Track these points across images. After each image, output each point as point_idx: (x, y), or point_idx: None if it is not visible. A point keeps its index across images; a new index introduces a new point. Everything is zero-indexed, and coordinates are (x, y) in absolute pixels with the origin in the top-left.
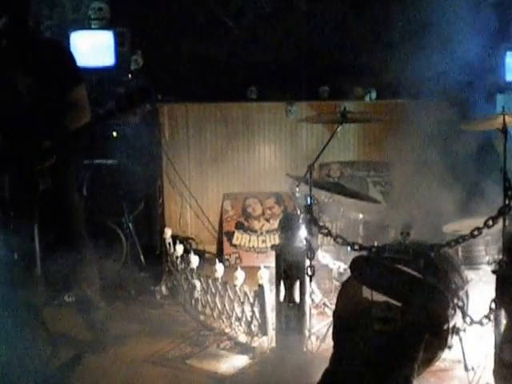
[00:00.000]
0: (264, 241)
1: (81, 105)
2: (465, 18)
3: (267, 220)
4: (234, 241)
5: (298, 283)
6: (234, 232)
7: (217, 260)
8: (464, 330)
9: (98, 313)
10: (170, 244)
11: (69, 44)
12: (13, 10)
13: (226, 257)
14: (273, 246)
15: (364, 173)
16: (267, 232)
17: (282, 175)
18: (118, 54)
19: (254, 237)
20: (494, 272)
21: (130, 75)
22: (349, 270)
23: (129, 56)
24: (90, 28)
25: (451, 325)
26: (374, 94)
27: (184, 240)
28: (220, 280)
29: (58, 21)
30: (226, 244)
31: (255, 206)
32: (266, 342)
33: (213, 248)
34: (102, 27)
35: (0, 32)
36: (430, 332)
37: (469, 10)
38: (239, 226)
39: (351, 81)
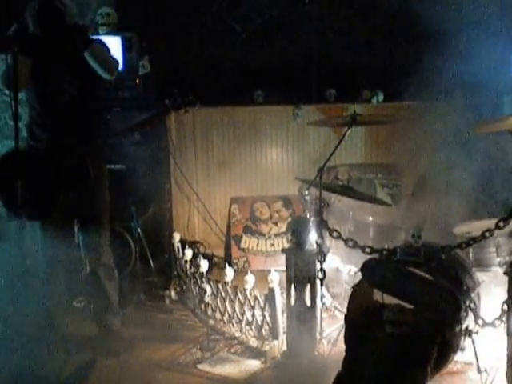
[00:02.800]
0: (272, 244)
1: (102, 57)
2: (472, 20)
3: (275, 223)
4: (242, 244)
5: (308, 287)
6: (241, 236)
7: (226, 264)
8: (476, 332)
9: (115, 317)
10: (178, 248)
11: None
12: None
13: (234, 261)
14: (283, 250)
15: (371, 175)
16: (275, 235)
17: (289, 179)
18: (126, 59)
19: (262, 240)
20: (505, 273)
21: (137, 80)
22: (360, 273)
23: (136, 61)
24: (97, 33)
25: (463, 327)
26: (381, 96)
27: (192, 244)
28: (230, 284)
29: None
30: (234, 248)
31: (263, 210)
32: (277, 346)
33: (221, 252)
34: (109, 32)
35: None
36: (442, 334)
37: (476, 11)
38: (247, 230)
39: (358, 83)
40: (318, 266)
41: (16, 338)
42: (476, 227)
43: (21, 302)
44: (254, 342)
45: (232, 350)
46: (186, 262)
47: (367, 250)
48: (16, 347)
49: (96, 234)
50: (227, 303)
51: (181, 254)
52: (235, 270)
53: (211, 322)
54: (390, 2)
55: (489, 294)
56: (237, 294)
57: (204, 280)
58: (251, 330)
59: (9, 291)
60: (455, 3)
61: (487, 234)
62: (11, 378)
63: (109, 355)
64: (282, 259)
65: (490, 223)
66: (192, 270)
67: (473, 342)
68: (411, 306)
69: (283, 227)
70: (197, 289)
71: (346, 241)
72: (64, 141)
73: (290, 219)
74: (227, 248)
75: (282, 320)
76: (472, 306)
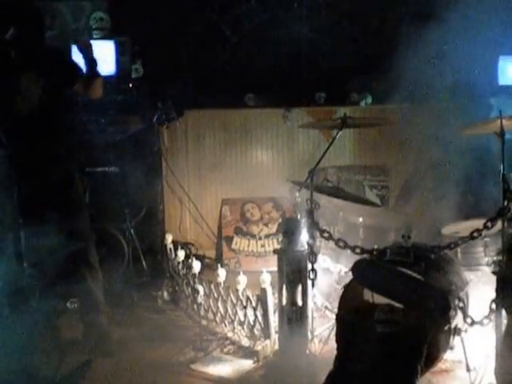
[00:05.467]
0: (263, 245)
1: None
2: (459, 23)
3: (265, 224)
4: (233, 245)
5: (300, 287)
6: (232, 237)
7: (219, 265)
8: (465, 331)
9: (102, 317)
10: (170, 249)
11: (70, 54)
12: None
13: (225, 261)
14: (275, 251)
15: (360, 177)
16: (266, 236)
17: (279, 180)
18: (119, 63)
19: (253, 241)
20: (494, 273)
21: (130, 84)
22: (350, 273)
23: (129, 65)
24: (91, 38)
25: (452, 326)
26: (369, 99)
27: (184, 245)
28: (222, 285)
29: (59, 31)
30: (225, 249)
31: (253, 211)
32: (269, 345)
33: (212, 253)
34: (102, 37)
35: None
36: (432, 333)
37: (463, 14)
38: (238, 231)
39: (347, 86)
40: (309, 266)
41: (11, 339)
42: (464, 227)
43: (16, 304)
44: (246, 342)
45: (225, 350)
46: (178, 262)
47: (357, 250)
48: (11, 349)
49: (81, 236)
50: (219, 303)
51: (173, 255)
52: (226, 271)
53: (204, 322)
54: (379, 5)
55: (477, 293)
56: (229, 294)
57: (196, 281)
58: (243, 329)
59: (5, 294)
60: (443, 6)
61: (475, 234)
62: (7, 380)
63: (103, 356)
64: (272, 260)
65: (478, 223)
66: (184, 270)
67: (462, 341)
68: (401, 306)
69: (274, 228)
70: (189, 289)
71: (336, 241)
72: (38, 147)
73: (280, 220)
74: (218, 249)
75: (273, 320)
76: (461, 305)
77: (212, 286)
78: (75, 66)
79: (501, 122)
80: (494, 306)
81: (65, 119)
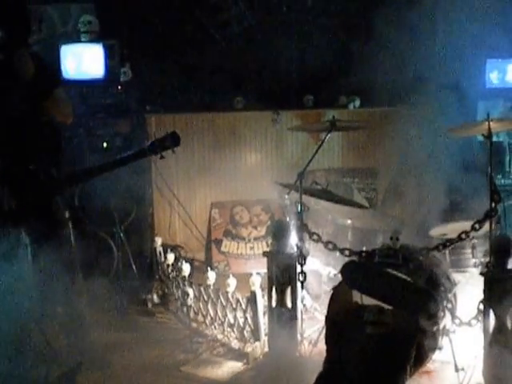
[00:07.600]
0: (252, 248)
1: (64, 102)
2: (446, 27)
3: (255, 227)
4: (223, 248)
5: (289, 289)
6: (222, 239)
7: (208, 268)
8: (453, 332)
9: (84, 323)
10: (160, 253)
11: (59, 57)
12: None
13: (214, 264)
14: (264, 253)
15: (349, 179)
16: (255, 239)
17: (268, 183)
18: (108, 66)
19: (242, 244)
20: (481, 274)
21: (119, 87)
22: (339, 275)
23: (118, 68)
24: (79, 41)
25: (441, 326)
26: (357, 102)
27: (173, 248)
28: (212, 287)
29: (48, 34)
30: (214, 251)
31: (242, 214)
32: (259, 347)
33: (201, 256)
34: (91, 40)
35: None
36: (420, 334)
37: (450, 18)
38: (227, 234)
39: (335, 89)
40: (299, 268)
41: (3, 342)
42: (452, 229)
43: (8, 308)
44: (236, 344)
45: (215, 352)
46: (167, 265)
47: (346, 252)
48: (3, 352)
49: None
50: (209, 306)
51: (163, 258)
52: (216, 274)
53: (194, 324)
54: (367, 9)
55: (465, 294)
56: (219, 296)
57: (186, 283)
58: (233, 331)
59: None
60: (432, 11)
61: (463, 235)
62: None
63: (94, 359)
64: (261, 262)
65: (466, 225)
66: (174, 273)
67: (450, 341)
68: (390, 307)
69: (263, 231)
70: (179, 292)
71: (325, 243)
72: (12, 163)
73: (269, 223)
74: (208, 252)
75: (263, 322)
76: (449, 306)
77: (202, 289)
78: (55, 72)
79: (488, 124)
80: (481, 306)
81: (50, 137)
